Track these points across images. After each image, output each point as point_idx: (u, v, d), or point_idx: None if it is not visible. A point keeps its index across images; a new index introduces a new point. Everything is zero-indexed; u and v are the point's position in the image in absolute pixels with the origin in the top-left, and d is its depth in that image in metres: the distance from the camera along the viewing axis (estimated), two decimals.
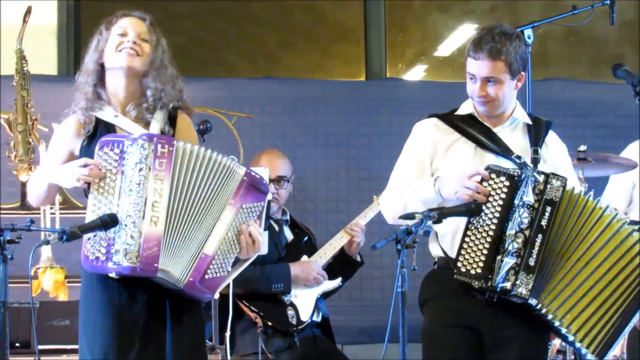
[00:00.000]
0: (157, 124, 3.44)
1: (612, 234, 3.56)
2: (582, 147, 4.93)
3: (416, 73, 7.31)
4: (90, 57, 3.46)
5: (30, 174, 4.90)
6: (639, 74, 4.67)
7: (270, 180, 4.92)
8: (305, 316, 4.87)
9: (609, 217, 3.56)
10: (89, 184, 3.27)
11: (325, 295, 5.04)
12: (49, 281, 5.03)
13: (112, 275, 3.26)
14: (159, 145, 3.25)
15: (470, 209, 3.45)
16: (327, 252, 5.04)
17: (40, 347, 4.43)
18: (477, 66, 3.60)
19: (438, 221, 3.42)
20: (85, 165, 3.26)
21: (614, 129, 6.60)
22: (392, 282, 3.36)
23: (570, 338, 3.55)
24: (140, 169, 3.23)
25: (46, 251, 5.07)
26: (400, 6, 7.21)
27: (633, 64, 6.45)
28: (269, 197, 3.48)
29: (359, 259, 5.15)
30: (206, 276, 3.29)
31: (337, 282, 5.06)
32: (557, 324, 3.53)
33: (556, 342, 4.89)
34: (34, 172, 4.83)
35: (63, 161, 3.44)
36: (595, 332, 3.54)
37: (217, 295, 3.39)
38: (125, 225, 3.21)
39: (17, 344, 4.51)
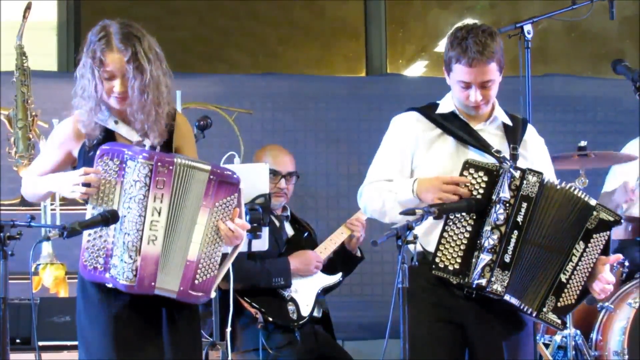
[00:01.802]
0: (155, 133, 3.38)
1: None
2: (583, 143, 4.94)
3: (416, 69, 7.31)
4: (87, 84, 3.35)
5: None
6: (639, 69, 4.69)
7: (282, 176, 4.96)
8: (305, 311, 4.87)
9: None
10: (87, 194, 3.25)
11: (326, 291, 5.04)
12: (50, 277, 5.03)
13: (109, 285, 3.27)
14: (159, 164, 3.22)
15: (471, 206, 3.44)
16: (327, 247, 5.04)
17: (41, 343, 4.42)
18: (473, 73, 3.52)
19: (438, 217, 3.40)
20: (85, 175, 3.22)
21: (614, 125, 6.61)
22: (393, 277, 3.35)
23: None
24: (140, 188, 3.22)
25: (47, 247, 5.07)
26: (400, 2, 7.21)
27: (633, 60, 6.44)
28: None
29: (359, 254, 5.14)
30: (196, 281, 3.28)
31: (338, 277, 5.06)
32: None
33: (557, 338, 4.89)
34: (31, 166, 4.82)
35: (60, 160, 3.43)
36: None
37: (213, 295, 3.37)
38: (123, 243, 3.22)
39: (18, 340, 4.50)
